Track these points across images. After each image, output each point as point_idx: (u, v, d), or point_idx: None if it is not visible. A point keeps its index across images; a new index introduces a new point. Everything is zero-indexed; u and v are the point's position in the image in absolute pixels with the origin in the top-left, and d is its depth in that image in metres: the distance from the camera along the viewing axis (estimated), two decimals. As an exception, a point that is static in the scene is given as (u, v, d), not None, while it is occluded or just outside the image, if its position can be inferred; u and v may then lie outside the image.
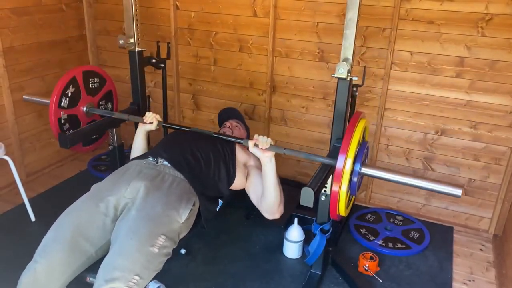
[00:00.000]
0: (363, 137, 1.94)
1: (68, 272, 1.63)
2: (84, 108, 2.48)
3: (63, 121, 2.38)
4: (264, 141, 1.95)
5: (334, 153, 1.82)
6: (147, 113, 2.26)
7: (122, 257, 1.57)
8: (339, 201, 1.78)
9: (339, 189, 1.74)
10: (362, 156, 1.84)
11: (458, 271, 2.34)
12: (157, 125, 2.25)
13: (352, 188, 1.85)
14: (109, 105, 2.70)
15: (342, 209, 1.82)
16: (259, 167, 2.12)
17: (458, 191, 1.74)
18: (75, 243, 1.64)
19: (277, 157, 2.01)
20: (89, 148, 2.66)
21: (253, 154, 2.03)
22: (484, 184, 2.59)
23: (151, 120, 2.24)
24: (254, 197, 2.14)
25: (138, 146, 2.32)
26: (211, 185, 2.05)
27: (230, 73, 3.03)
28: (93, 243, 1.70)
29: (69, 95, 2.39)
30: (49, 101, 2.33)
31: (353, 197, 2.05)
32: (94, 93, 2.55)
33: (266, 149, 1.94)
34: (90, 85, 2.51)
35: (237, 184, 2.15)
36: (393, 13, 2.46)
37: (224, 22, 2.90)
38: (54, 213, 1.76)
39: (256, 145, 1.96)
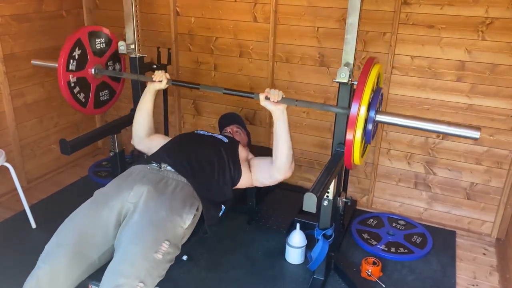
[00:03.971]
0: (377, 83, 1.89)
1: (71, 278, 1.62)
2: (93, 70, 2.44)
3: (72, 85, 2.34)
4: (275, 93, 1.93)
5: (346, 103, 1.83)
6: (156, 71, 2.25)
7: (126, 263, 1.56)
8: (353, 149, 1.75)
9: (353, 137, 1.71)
10: (376, 102, 1.80)
11: (462, 276, 2.33)
12: (167, 84, 2.23)
13: (367, 136, 1.82)
14: (117, 66, 2.63)
15: (356, 158, 1.79)
16: (258, 157, 2.17)
17: (476, 133, 1.68)
18: (78, 249, 1.63)
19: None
20: (101, 110, 2.63)
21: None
22: (486, 188, 2.58)
23: (160, 78, 2.21)
24: (262, 176, 2.14)
25: (144, 105, 2.27)
26: (215, 189, 2.04)
27: (230, 78, 3.03)
28: (96, 249, 1.69)
29: (76, 58, 2.33)
30: (57, 65, 2.27)
31: (368, 146, 1.99)
32: (101, 54, 2.49)
33: (277, 101, 1.93)
34: (97, 46, 2.46)
35: (243, 182, 2.15)
36: (394, 18, 2.46)
37: (224, 28, 2.91)
38: (55, 220, 1.76)
39: (267, 98, 1.95)
